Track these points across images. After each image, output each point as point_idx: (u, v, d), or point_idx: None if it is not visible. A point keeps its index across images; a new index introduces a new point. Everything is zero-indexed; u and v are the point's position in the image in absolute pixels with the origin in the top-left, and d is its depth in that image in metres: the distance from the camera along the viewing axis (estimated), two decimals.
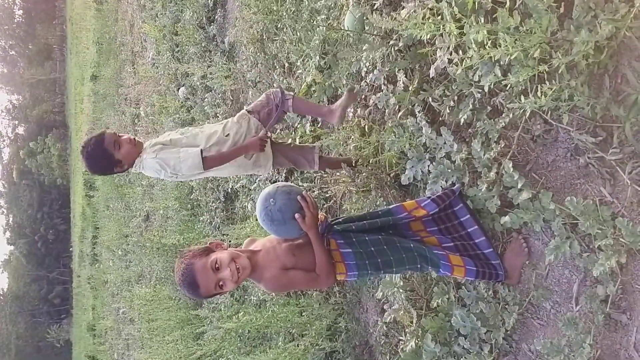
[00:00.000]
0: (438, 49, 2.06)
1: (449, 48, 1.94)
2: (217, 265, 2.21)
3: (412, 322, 2.87)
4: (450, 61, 2.03)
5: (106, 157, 3.17)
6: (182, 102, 7.44)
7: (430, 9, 2.00)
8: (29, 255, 44.00)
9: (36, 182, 42.58)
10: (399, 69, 2.91)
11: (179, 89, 7.65)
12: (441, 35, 1.93)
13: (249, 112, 3.38)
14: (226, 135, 3.27)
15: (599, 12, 1.86)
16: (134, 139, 3.24)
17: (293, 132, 4.33)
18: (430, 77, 2.53)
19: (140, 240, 9.61)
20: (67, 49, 34.96)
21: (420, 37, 1.92)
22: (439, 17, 1.92)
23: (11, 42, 45.13)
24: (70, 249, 33.99)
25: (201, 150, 3.14)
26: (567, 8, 1.90)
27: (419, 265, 2.42)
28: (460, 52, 1.98)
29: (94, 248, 16.90)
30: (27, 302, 43.86)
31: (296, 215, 2.27)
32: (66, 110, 37.60)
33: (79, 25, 24.54)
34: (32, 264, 43.41)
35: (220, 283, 2.22)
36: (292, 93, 3.43)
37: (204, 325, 5.84)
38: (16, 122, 47.50)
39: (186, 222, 7.08)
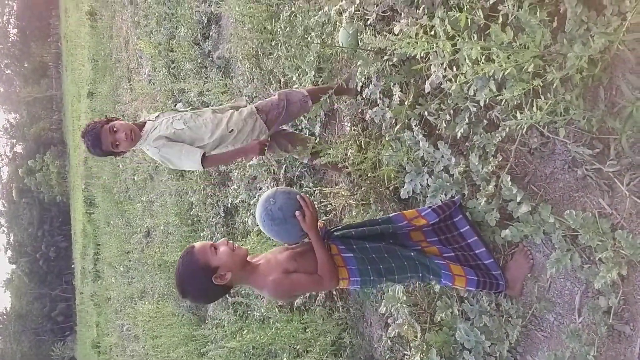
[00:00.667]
0: (432, 65, 2.07)
1: (442, 64, 1.94)
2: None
3: (416, 337, 2.86)
4: (444, 77, 2.03)
5: (107, 151, 3.21)
6: None
7: (423, 26, 2.01)
8: (30, 274, 43.89)
9: (36, 200, 42.54)
10: (394, 84, 2.92)
11: (175, 104, 7.65)
12: (435, 52, 1.94)
13: (257, 110, 3.38)
14: (230, 131, 3.27)
15: (592, 25, 1.87)
16: (131, 132, 3.15)
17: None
18: (426, 91, 2.53)
19: (141, 256, 9.60)
20: (63, 66, 35.02)
21: (414, 54, 1.93)
22: (432, 34, 1.92)
23: (6, 61, 45.26)
24: (72, 266, 33.92)
25: (204, 153, 3.17)
26: (559, 22, 1.92)
27: (420, 274, 2.42)
28: (455, 67, 1.99)
29: (96, 265, 16.87)
30: (30, 321, 43.66)
31: (296, 213, 2.28)
32: (63, 127, 37.65)
33: (74, 43, 24.59)
34: (35, 282, 43.28)
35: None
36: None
37: (208, 343, 5.82)
38: (14, 140, 47.54)
39: (187, 238, 7.07)
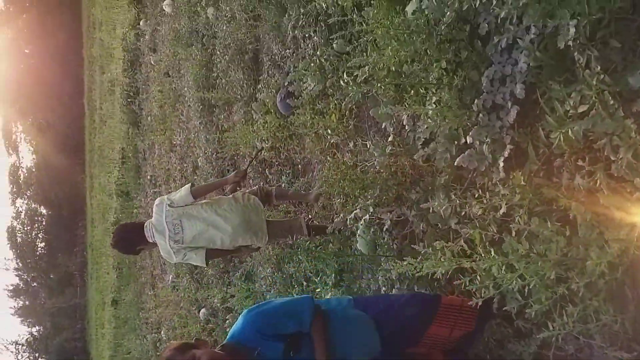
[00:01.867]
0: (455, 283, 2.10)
1: (468, 283, 1.98)
2: None
3: None
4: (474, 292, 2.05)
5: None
6: (203, 325, 7.39)
7: (442, 245, 2.08)
8: None
9: None
10: (418, 288, 2.94)
11: (199, 310, 7.65)
12: (458, 269, 1.98)
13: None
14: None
15: (604, 229, 1.92)
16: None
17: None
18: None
19: None
20: (88, 275, 35.76)
21: (440, 272, 1.98)
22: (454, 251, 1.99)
23: (33, 274, 46.39)
24: None
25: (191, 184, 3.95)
26: (572, 228, 1.97)
27: None
28: (478, 280, 2.02)
29: None
30: None
31: None
32: (87, 335, 37.24)
33: (99, 251, 25.36)
34: None
35: None
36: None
37: None
38: (37, 354, 46.77)
39: None
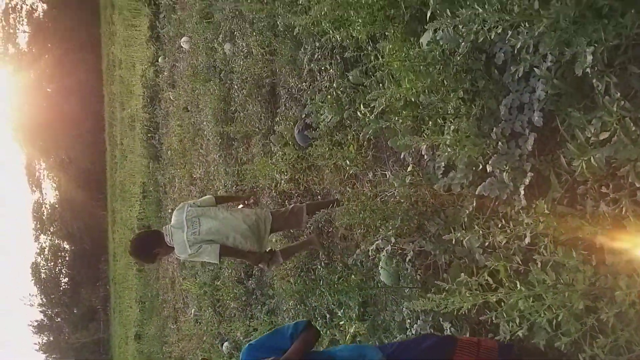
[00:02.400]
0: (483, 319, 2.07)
1: (494, 318, 1.94)
2: None
3: None
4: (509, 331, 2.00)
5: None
6: (226, 359, 7.34)
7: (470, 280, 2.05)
8: None
9: None
10: (444, 319, 2.90)
11: (222, 344, 7.61)
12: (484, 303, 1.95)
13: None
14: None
15: (632, 257, 1.89)
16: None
17: None
18: None
19: None
20: (111, 309, 35.87)
21: (465, 307, 1.95)
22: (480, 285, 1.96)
23: (57, 309, 46.69)
24: None
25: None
26: (598, 257, 1.94)
27: None
28: (505, 314, 1.98)
29: None
30: None
31: None
32: None
33: (122, 285, 25.48)
34: None
35: None
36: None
37: None
38: None
39: None
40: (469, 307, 1.96)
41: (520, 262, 1.93)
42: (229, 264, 7.20)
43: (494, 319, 1.93)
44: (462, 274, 2.03)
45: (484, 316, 1.95)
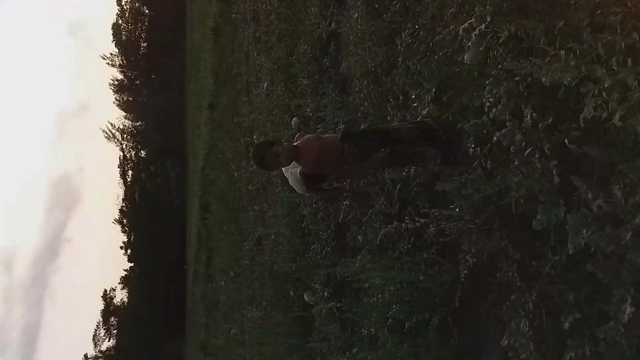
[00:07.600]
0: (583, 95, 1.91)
1: (595, 93, 1.79)
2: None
3: None
4: (597, 107, 1.86)
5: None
6: (294, 132, 7.60)
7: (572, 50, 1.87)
8: (146, 273, 46.58)
9: (155, 203, 45.27)
10: (526, 105, 2.77)
11: (292, 119, 7.83)
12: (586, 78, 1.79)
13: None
14: None
15: None
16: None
17: None
18: (581, 124, 2.34)
19: (252, 264, 9.88)
20: (187, 79, 37.23)
21: (563, 81, 1.80)
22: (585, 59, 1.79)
23: (136, 72, 48.92)
24: (185, 268, 35.68)
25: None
26: None
27: None
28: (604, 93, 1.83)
29: (208, 268, 17.61)
30: (143, 318, 46.11)
31: None
32: (184, 136, 39.93)
33: (198, 56, 26.07)
34: (149, 282, 45.82)
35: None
36: None
37: (314, 355, 5.84)
38: (139, 146, 51.10)
39: (297, 250, 7.16)
40: (569, 79, 1.81)
41: (638, 38, 1.73)
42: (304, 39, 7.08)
43: (595, 93, 1.78)
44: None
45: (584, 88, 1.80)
